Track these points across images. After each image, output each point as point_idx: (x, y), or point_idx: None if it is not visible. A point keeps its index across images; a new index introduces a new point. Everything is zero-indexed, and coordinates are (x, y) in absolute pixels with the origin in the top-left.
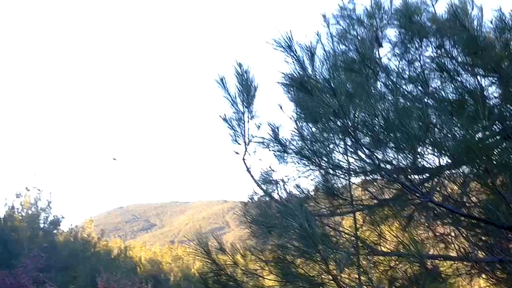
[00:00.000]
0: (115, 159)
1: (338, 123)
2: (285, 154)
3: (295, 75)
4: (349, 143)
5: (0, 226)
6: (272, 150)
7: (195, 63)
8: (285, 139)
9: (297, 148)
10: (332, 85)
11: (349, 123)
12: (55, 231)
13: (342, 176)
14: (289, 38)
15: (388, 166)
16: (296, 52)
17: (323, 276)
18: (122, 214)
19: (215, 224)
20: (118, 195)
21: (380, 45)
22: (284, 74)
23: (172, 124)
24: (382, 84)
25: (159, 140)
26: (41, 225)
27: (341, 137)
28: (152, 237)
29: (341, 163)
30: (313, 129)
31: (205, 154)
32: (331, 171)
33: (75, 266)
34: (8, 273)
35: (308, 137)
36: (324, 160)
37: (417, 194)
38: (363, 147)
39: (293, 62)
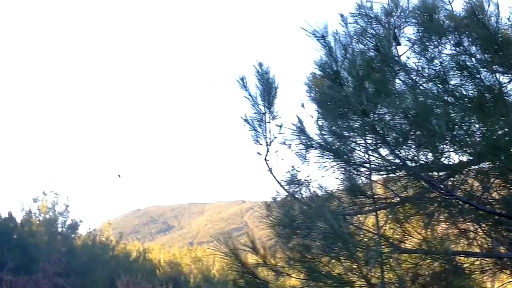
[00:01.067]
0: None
1: (365, 119)
2: (311, 150)
3: (327, 65)
4: (369, 140)
5: (18, 231)
6: (298, 144)
7: (216, 62)
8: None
9: (324, 143)
10: (361, 80)
11: (375, 119)
12: (73, 235)
13: (365, 173)
14: (325, 27)
15: (412, 164)
16: (329, 42)
17: (350, 274)
18: (139, 217)
19: (233, 224)
20: (135, 197)
21: (399, 43)
22: (317, 63)
23: (189, 125)
24: (401, 82)
25: (176, 141)
26: (59, 229)
27: (366, 133)
28: (170, 239)
29: (363, 160)
30: (333, 127)
31: (223, 155)
32: (355, 168)
33: (94, 270)
34: (29, 279)
35: (332, 133)
36: (348, 157)
37: (442, 191)
38: (388, 144)
39: (326, 52)
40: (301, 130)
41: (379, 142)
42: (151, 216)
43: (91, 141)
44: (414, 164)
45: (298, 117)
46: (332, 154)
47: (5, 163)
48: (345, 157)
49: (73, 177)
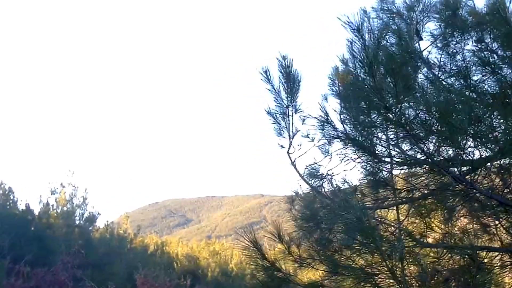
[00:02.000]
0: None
1: (395, 113)
2: (334, 142)
3: (361, 57)
4: (392, 135)
5: (35, 223)
6: (321, 138)
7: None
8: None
9: (348, 135)
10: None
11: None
12: (90, 228)
13: (387, 167)
14: (361, 19)
15: (436, 158)
16: (364, 35)
17: (373, 267)
18: (157, 210)
19: (252, 218)
20: (153, 190)
21: (421, 38)
22: (355, 53)
23: (208, 119)
24: (424, 77)
25: (195, 134)
26: (77, 222)
27: (392, 127)
28: (188, 232)
29: (386, 154)
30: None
31: (241, 148)
32: (378, 161)
33: (111, 263)
34: (47, 271)
35: (356, 127)
36: (372, 150)
37: (465, 185)
38: (414, 138)
39: (361, 44)
40: (324, 123)
41: (406, 136)
42: (169, 210)
43: (110, 134)
44: (437, 158)
45: (322, 109)
46: (356, 147)
47: (23, 156)
48: (370, 149)
49: (92, 169)
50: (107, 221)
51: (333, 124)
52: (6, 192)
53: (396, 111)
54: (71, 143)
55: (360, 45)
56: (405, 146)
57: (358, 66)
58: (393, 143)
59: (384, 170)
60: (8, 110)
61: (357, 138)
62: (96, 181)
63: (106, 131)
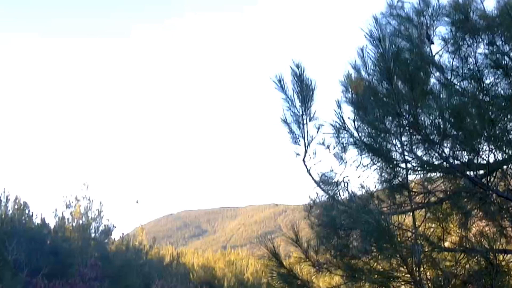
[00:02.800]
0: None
1: (409, 119)
2: (349, 149)
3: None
4: (405, 140)
5: (51, 236)
6: (336, 144)
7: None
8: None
9: (364, 142)
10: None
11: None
12: (106, 240)
13: (403, 172)
14: (380, 29)
15: (452, 162)
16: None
17: (393, 271)
18: (172, 221)
19: (267, 228)
20: (167, 201)
21: (432, 43)
22: (371, 59)
23: (220, 130)
24: (436, 81)
25: (208, 145)
26: (92, 235)
27: (409, 132)
28: (203, 243)
29: (402, 159)
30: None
31: (254, 158)
32: (393, 167)
33: (128, 275)
34: (65, 283)
35: (373, 133)
36: (388, 155)
37: (483, 188)
38: (430, 143)
39: (380, 52)
40: (339, 130)
41: (421, 141)
42: (184, 221)
43: (125, 146)
44: (453, 162)
45: (337, 115)
46: (371, 153)
47: (38, 169)
48: (385, 155)
49: (106, 180)
50: (123, 233)
51: (350, 131)
52: (22, 207)
53: (412, 116)
54: (86, 156)
55: (378, 53)
56: (420, 152)
57: (374, 72)
58: (408, 148)
59: (400, 176)
60: (23, 124)
61: (372, 144)
62: (110, 193)
63: (120, 143)
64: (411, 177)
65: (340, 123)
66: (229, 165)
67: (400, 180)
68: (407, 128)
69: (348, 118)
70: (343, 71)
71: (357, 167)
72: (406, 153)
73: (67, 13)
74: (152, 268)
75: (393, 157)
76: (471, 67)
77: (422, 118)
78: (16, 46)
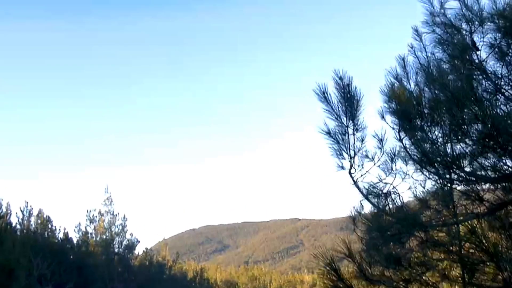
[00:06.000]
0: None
1: (454, 128)
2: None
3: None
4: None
5: (75, 251)
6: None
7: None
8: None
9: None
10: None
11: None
12: (130, 255)
13: (452, 182)
14: (421, 38)
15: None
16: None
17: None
18: (194, 236)
19: (289, 243)
20: (190, 216)
21: (477, 49)
22: (415, 68)
23: (242, 145)
24: (482, 89)
25: (229, 161)
26: (116, 250)
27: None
28: (226, 258)
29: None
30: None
31: (276, 173)
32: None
33: None
34: None
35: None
36: (435, 167)
37: None
38: (487, 154)
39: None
40: (383, 140)
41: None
42: (206, 236)
43: (148, 162)
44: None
45: (394, 121)
46: (417, 164)
47: (62, 184)
48: (431, 166)
49: (130, 196)
50: (146, 248)
51: (395, 142)
52: (45, 221)
53: (457, 126)
54: (109, 170)
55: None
56: (466, 161)
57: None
58: (454, 158)
59: (448, 187)
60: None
61: (417, 155)
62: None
63: (144, 158)
64: (459, 187)
65: (383, 135)
66: (250, 179)
67: (448, 190)
68: (453, 137)
69: (392, 128)
70: (382, 79)
71: (403, 179)
72: (452, 163)
73: None
74: (175, 283)
75: (439, 167)
76: None
77: (467, 127)
78: None
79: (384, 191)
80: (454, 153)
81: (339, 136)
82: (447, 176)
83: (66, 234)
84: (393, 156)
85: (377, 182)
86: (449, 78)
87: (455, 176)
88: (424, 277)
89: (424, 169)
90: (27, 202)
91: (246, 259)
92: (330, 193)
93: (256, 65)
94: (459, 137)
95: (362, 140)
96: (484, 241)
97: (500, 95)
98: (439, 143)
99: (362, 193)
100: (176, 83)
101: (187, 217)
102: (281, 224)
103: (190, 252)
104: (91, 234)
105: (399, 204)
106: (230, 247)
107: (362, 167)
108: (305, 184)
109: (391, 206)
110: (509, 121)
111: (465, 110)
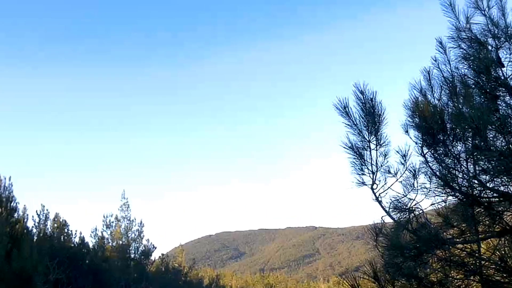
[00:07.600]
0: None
1: (477, 145)
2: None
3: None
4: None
5: (91, 256)
6: (404, 171)
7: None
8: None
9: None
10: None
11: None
12: (146, 261)
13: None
14: (446, 52)
15: None
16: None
17: None
18: (211, 243)
19: (305, 251)
20: (206, 223)
21: (503, 65)
22: (439, 82)
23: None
24: (506, 105)
25: (247, 168)
26: (132, 255)
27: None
28: (242, 265)
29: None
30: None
31: (293, 181)
32: (462, 194)
33: None
34: None
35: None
36: (458, 184)
37: None
38: (510, 170)
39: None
40: (406, 156)
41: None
42: (222, 243)
43: (165, 169)
44: None
45: (418, 137)
46: (440, 180)
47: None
48: (454, 184)
49: (147, 202)
50: (162, 254)
51: (418, 158)
52: (61, 225)
53: (480, 142)
54: (127, 177)
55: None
56: (487, 178)
57: (441, 96)
58: (475, 174)
59: (470, 203)
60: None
61: (440, 171)
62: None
63: (161, 165)
64: (481, 204)
65: (407, 149)
66: (267, 187)
67: (469, 207)
68: (476, 153)
69: (416, 143)
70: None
71: (426, 195)
72: (474, 179)
73: None
74: None
75: (462, 184)
76: None
77: (491, 143)
78: None
79: (407, 207)
80: (477, 169)
81: (361, 151)
82: (469, 192)
83: (82, 239)
84: (415, 171)
85: (400, 198)
86: (473, 93)
87: (477, 193)
88: None
89: (446, 185)
90: (43, 206)
91: (261, 267)
92: (348, 202)
93: None
94: (482, 153)
95: (385, 156)
96: (508, 260)
97: None
98: (461, 159)
99: (384, 209)
100: None
101: (204, 224)
102: (297, 232)
103: (206, 258)
104: (107, 239)
105: (422, 221)
106: (246, 254)
107: (385, 183)
108: (322, 192)
109: (413, 222)
110: None
111: (489, 126)
